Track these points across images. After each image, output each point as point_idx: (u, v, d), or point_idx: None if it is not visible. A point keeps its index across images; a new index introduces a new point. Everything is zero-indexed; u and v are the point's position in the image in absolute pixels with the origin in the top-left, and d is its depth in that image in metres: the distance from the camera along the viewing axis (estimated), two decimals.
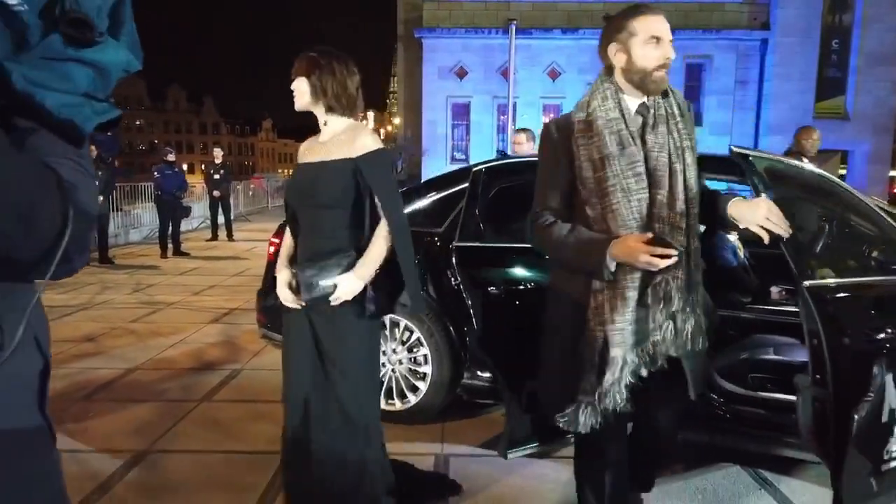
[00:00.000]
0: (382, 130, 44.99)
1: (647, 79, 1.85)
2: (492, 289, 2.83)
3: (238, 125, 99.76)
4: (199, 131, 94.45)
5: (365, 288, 2.20)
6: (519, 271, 3.01)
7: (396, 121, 38.44)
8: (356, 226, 2.22)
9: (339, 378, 2.26)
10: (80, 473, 2.95)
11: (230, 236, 13.19)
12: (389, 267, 2.24)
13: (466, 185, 3.56)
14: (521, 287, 2.95)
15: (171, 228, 10.63)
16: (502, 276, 2.92)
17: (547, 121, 1.89)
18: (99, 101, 0.90)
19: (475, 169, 3.12)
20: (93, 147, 9.57)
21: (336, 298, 2.18)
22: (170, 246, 10.63)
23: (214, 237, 13.04)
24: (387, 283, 2.25)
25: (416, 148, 25.58)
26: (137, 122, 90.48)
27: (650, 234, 1.75)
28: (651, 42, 1.82)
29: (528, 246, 3.15)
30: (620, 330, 1.80)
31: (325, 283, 2.20)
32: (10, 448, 0.88)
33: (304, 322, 2.31)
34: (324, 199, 2.20)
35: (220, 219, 13.14)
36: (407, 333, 3.58)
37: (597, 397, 1.83)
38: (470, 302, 2.89)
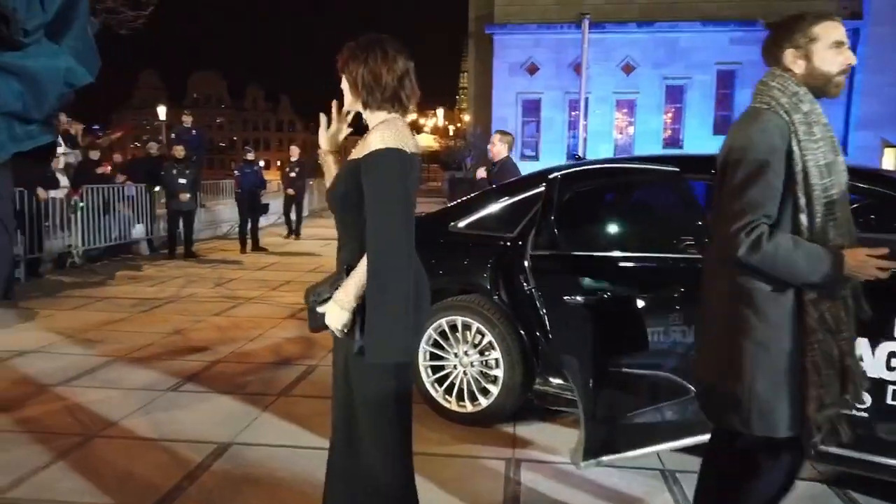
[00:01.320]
0: (451, 127, 45.09)
1: (829, 84, 1.86)
2: (568, 298, 2.81)
3: (313, 122, 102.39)
4: (276, 129, 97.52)
5: (356, 320, 1.82)
6: (595, 281, 2.97)
7: (466, 117, 38.48)
8: (363, 238, 1.81)
9: (356, 438, 1.94)
10: (169, 462, 3.13)
11: (297, 234, 13.44)
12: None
13: (540, 190, 3.54)
14: (599, 296, 2.92)
15: (249, 224, 11.05)
16: (578, 284, 2.89)
17: (765, 114, 1.74)
18: (27, 123, 0.60)
19: (551, 176, 3.10)
20: (180, 147, 10.05)
21: (334, 330, 1.87)
22: (248, 241, 11.05)
23: (290, 234, 13.46)
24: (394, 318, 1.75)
25: (486, 145, 25.54)
26: (218, 121, 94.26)
27: (885, 249, 1.73)
28: (834, 47, 1.84)
29: (606, 255, 3.13)
30: (848, 339, 1.80)
31: (321, 309, 1.89)
32: None
33: (339, 355, 2.00)
34: (331, 204, 1.96)
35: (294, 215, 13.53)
36: (479, 336, 3.60)
37: (841, 407, 1.81)
38: (544, 309, 2.88)
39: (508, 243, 3.57)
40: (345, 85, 1.97)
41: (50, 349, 5.03)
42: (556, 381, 3.42)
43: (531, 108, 25.88)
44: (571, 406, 3.34)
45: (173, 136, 12.04)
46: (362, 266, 1.81)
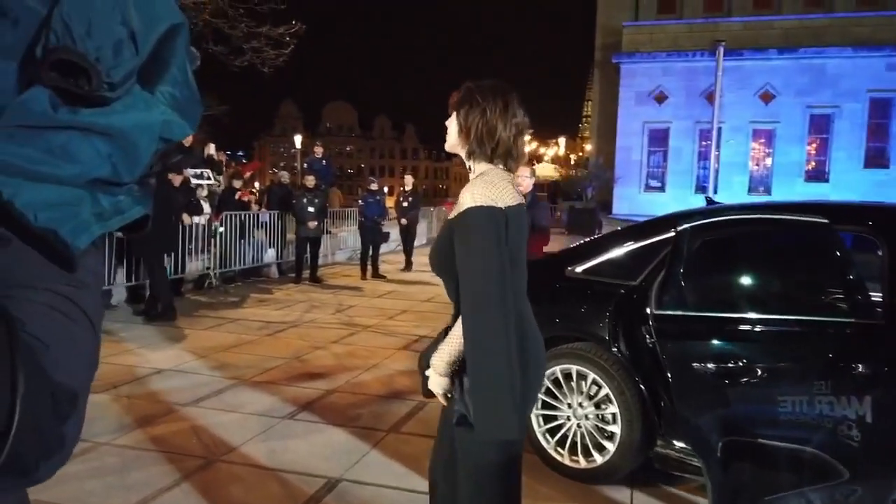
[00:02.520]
0: (573, 156, 44.57)
1: None
2: (698, 363, 2.58)
3: (435, 150, 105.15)
4: (401, 156, 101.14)
5: (454, 384, 1.72)
6: (729, 344, 2.72)
7: (588, 146, 37.87)
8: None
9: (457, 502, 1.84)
10: (282, 494, 3.19)
11: (408, 265, 12.63)
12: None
13: (665, 236, 3.33)
14: (733, 361, 2.66)
15: (371, 252, 11.38)
16: (710, 348, 2.66)
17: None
18: (117, 187, 0.55)
19: (681, 227, 2.89)
20: (311, 177, 10.58)
21: (438, 396, 1.81)
22: (369, 268, 11.39)
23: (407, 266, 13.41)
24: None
25: (608, 174, 24.94)
26: (348, 149, 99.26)
27: None
28: None
29: (742, 316, 2.84)
30: None
31: (427, 373, 1.81)
32: None
33: (447, 415, 1.89)
34: (433, 265, 1.88)
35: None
36: (595, 388, 3.41)
37: None
38: (670, 372, 2.66)
39: (630, 292, 3.37)
40: (452, 125, 1.87)
41: (184, 367, 5.37)
42: (681, 444, 3.15)
43: (658, 138, 25.02)
44: (697, 474, 3.06)
45: (305, 165, 12.58)
46: (457, 328, 1.72)
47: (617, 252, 3.59)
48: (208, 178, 9.84)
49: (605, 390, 3.34)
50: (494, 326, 1.62)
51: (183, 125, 0.60)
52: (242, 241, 10.13)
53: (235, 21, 10.92)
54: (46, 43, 0.51)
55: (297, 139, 36.44)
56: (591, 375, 3.40)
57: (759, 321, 2.78)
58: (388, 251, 15.76)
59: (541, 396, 3.56)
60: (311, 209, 10.36)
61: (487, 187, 1.72)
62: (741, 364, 2.65)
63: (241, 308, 8.25)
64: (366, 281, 11.14)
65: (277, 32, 11.05)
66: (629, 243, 3.56)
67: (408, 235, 13.08)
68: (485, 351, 1.62)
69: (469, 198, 1.72)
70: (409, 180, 13.21)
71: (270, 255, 11.20)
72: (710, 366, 2.57)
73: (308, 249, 10.65)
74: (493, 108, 1.79)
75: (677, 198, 24.08)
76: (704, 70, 22.92)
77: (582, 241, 3.99)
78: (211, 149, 10.69)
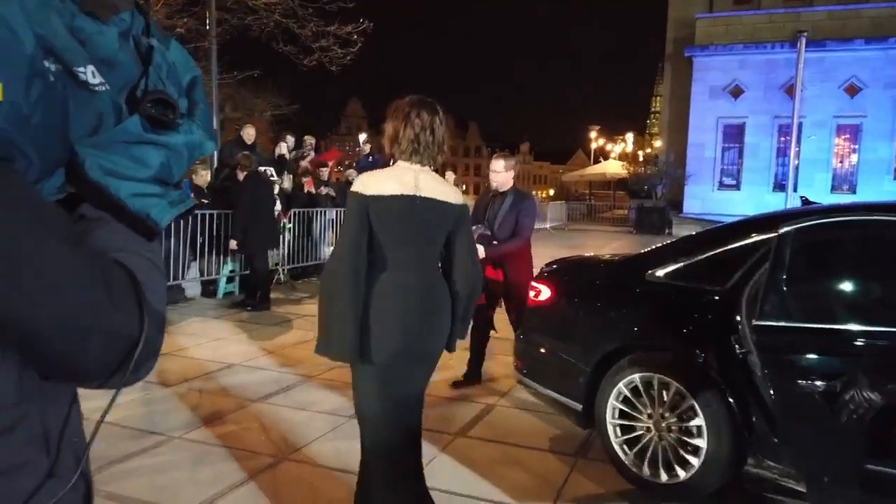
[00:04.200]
0: (641, 153, 43.38)
1: None
2: (804, 381, 2.35)
3: (497, 148, 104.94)
4: (464, 154, 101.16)
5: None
6: (840, 361, 2.46)
7: (657, 143, 36.78)
8: None
9: None
10: (349, 497, 3.12)
11: None
12: None
13: (760, 238, 3.07)
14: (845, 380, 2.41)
15: None
16: (818, 365, 2.41)
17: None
18: (172, 189, 0.83)
19: (784, 229, 2.64)
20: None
21: None
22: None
23: None
24: None
25: (679, 172, 24.09)
26: None
27: None
28: None
29: (855, 328, 2.57)
30: None
31: None
32: None
33: None
34: None
35: None
36: (678, 399, 3.19)
37: None
38: (771, 390, 2.44)
39: (718, 298, 3.14)
40: (385, 131, 2.39)
41: (253, 363, 5.42)
42: (777, 465, 2.91)
43: (733, 134, 24.01)
44: (795, 497, 2.81)
45: (355, 165, 12.37)
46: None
47: (703, 255, 3.35)
48: (272, 176, 9.98)
49: (690, 402, 3.12)
50: (342, 277, 2.22)
51: (210, 145, 0.86)
52: (309, 237, 10.24)
53: (305, 21, 11.06)
54: (146, 87, 0.76)
55: (362, 137, 36.84)
56: (675, 385, 3.18)
57: (875, 334, 2.51)
58: None
59: (618, 405, 3.38)
60: None
61: (369, 178, 2.30)
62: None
63: (307, 304, 8.32)
64: None
65: (345, 31, 11.13)
66: (718, 246, 3.32)
67: None
68: (331, 294, 2.27)
69: (354, 182, 2.33)
70: (450, 177, 12.93)
71: None
72: (817, 383, 2.33)
73: None
74: (399, 117, 2.32)
75: (753, 196, 23.05)
76: (784, 62, 21.83)
77: (663, 243, 3.76)
78: (282, 148, 10.83)
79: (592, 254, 4.76)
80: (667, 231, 22.84)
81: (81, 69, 0.72)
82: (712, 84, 23.88)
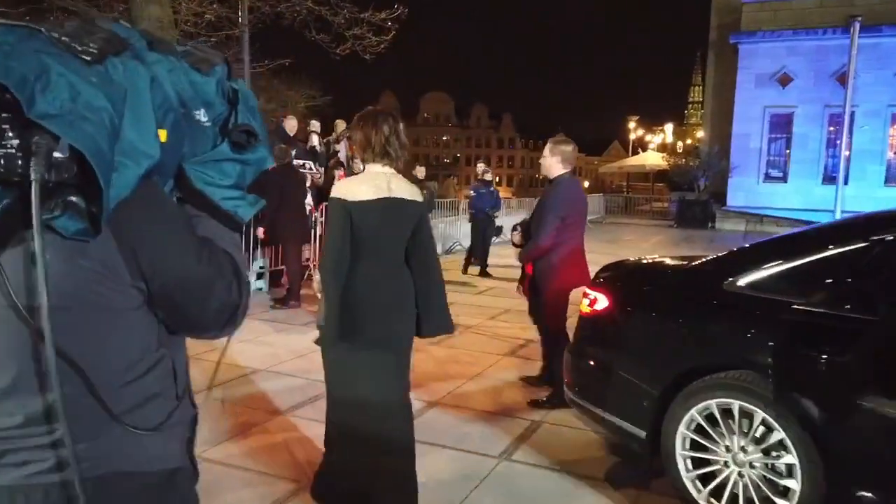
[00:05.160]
0: (680, 144, 42.12)
1: None
2: None
3: (532, 139, 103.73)
4: (497, 146, 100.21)
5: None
6: None
7: (699, 134, 35.63)
8: None
9: None
10: None
11: (483, 271, 10.67)
12: None
13: (862, 245, 2.59)
14: None
15: (481, 246, 10.71)
16: None
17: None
18: (247, 193, 1.10)
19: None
20: (422, 168, 10.16)
21: None
22: (465, 265, 10.85)
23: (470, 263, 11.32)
24: None
25: (722, 164, 23.16)
26: (444, 138, 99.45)
27: None
28: None
29: None
30: None
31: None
32: (167, 485, 1.04)
33: None
34: None
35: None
36: (763, 430, 2.73)
37: None
38: (882, 421, 1.97)
39: (812, 313, 2.66)
40: (354, 139, 2.74)
41: (280, 368, 5.09)
42: None
43: (780, 124, 22.96)
44: None
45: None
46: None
47: (792, 262, 2.87)
48: (310, 169, 9.67)
49: (780, 435, 2.66)
50: (329, 268, 2.60)
51: (270, 159, 1.16)
52: None
53: (338, 7, 10.70)
54: (235, 121, 1.06)
55: (480, 168, 36.46)
56: (760, 414, 2.72)
57: None
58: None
59: (689, 434, 2.93)
60: None
61: (348, 185, 2.67)
62: None
63: None
64: (465, 275, 10.65)
65: (379, 18, 10.73)
66: (811, 251, 2.84)
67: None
68: (323, 280, 2.63)
69: (334, 189, 2.65)
70: (480, 169, 11.78)
71: None
72: None
73: None
74: (369, 125, 2.62)
75: (801, 189, 22.06)
76: (836, 49, 20.69)
77: (741, 247, 3.29)
78: (314, 140, 10.50)
79: (656, 256, 4.26)
80: (710, 225, 22.00)
81: (197, 112, 1.01)
82: (759, 72, 22.84)
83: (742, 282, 2.95)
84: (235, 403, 4.31)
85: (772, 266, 2.89)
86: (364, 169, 2.73)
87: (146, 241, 0.95)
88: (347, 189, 2.60)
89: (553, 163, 4.33)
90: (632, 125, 42.38)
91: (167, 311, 1.01)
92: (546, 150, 4.39)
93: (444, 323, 2.85)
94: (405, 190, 2.65)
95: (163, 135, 0.94)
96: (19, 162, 0.79)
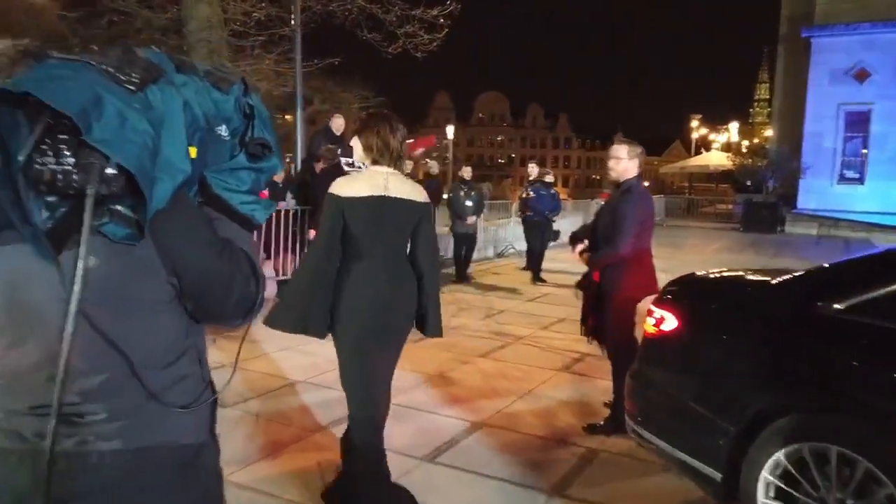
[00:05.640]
0: (746, 143, 40.31)
1: None
2: None
3: (589, 139, 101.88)
4: (553, 146, 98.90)
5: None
6: None
7: (767, 133, 33.96)
8: None
9: None
10: None
11: (537, 276, 10.22)
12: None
13: None
14: None
15: (538, 251, 10.26)
16: None
17: None
18: (262, 199, 1.27)
19: None
20: (468, 168, 9.85)
21: None
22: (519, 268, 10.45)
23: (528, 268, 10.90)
24: None
25: (793, 164, 21.94)
26: (499, 138, 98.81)
27: None
28: None
29: None
30: None
31: None
32: (196, 456, 1.20)
33: None
34: None
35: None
36: (868, 482, 2.28)
37: None
38: None
39: None
40: (357, 144, 2.79)
41: (318, 380, 4.83)
42: None
43: (857, 122, 21.61)
44: None
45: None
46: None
47: None
48: (359, 168, 9.47)
49: (889, 489, 2.21)
50: (312, 261, 2.83)
51: (280, 166, 1.29)
52: None
53: (390, 4, 10.49)
54: (252, 134, 1.19)
55: (450, 130, 36.43)
56: (864, 464, 2.28)
57: None
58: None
59: (773, 480, 2.50)
60: (468, 203, 9.60)
61: (345, 182, 2.75)
62: None
63: None
64: (521, 281, 10.25)
65: (431, 14, 10.46)
66: None
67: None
68: (300, 271, 3.09)
69: (332, 185, 2.75)
70: (534, 170, 10.93)
71: None
72: None
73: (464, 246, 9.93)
74: (371, 129, 2.73)
75: (879, 192, 20.71)
76: None
77: (836, 262, 2.83)
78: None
79: (732, 269, 3.80)
80: (779, 229, 20.87)
81: (219, 127, 1.16)
82: (833, 67, 21.55)
83: (841, 304, 2.50)
84: (270, 419, 4.08)
85: (880, 286, 2.43)
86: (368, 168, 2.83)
87: (178, 243, 1.10)
88: (343, 185, 2.70)
89: (631, 166, 4.06)
90: (695, 124, 40.87)
91: (195, 302, 1.16)
92: (622, 152, 4.05)
93: (437, 326, 2.89)
94: (404, 189, 2.71)
95: (193, 151, 1.09)
96: (75, 177, 0.93)
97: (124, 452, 1.08)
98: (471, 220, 9.60)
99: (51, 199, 0.97)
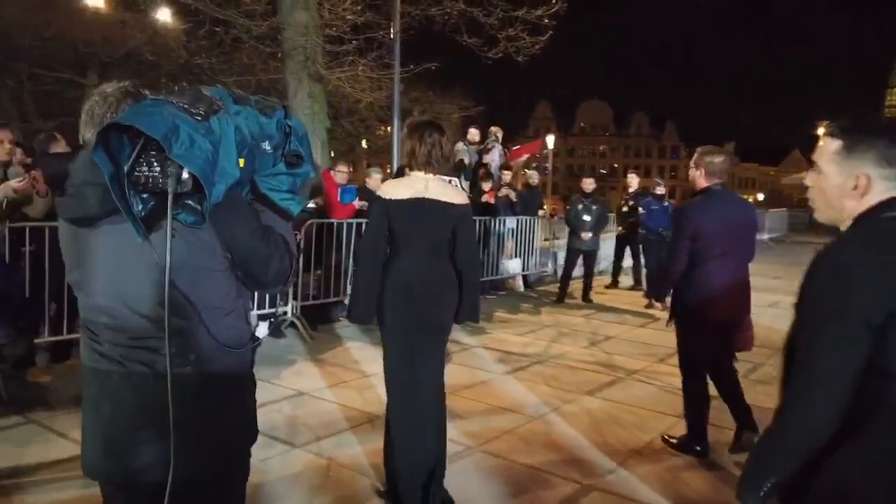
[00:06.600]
0: None
1: None
2: None
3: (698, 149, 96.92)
4: (658, 155, 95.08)
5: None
6: None
7: None
8: None
9: None
10: None
11: (614, 283, 10.05)
12: None
13: None
14: None
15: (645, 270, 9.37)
16: None
17: None
18: (297, 196, 1.72)
19: None
20: (590, 180, 9.07)
21: None
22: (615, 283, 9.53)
23: (614, 284, 10.49)
24: None
25: None
26: (601, 148, 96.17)
27: None
28: None
29: None
30: None
31: None
32: (243, 382, 1.73)
33: None
34: None
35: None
36: None
37: None
38: None
39: None
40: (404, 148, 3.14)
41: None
42: None
43: None
44: None
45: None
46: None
47: None
48: (455, 186, 8.94)
49: None
50: (362, 258, 3.05)
51: (312, 172, 1.73)
52: (486, 250, 9.06)
53: (491, 7, 9.94)
54: (289, 148, 1.67)
55: (550, 139, 35.51)
56: None
57: None
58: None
59: None
60: (586, 217, 8.83)
61: (390, 184, 3.21)
62: None
63: (476, 333, 6.88)
64: (629, 302, 9.35)
65: (535, 15, 9.81)
66: None
67: (630, 248, 10.46)
68: (357, 269, 3.22)
69: (379, 188, 3.21)
70: (634, 180, 10.37)
71: (515, 265, 10.01)
72: None
73: (582, 264, 9.16)
74: (415, 137, 2.97)
75: None
76: None
77: None
78: (462, 153, 9.77)
79: None
80: None
81: (264, 143, 1.59)
82: None
83: None
84: (344, 465, 3.56)
85: None
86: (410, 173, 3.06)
87: (230, 227, 1.58)
88: (388, 189, 3.04)
89: (696, 175, 3.87)
90: (821, 131, 37.56)
91: (243, 272, 1.65)
92: (692, 160, 3.91)
93: (471, 313, 3.12)
94: (443, 192, 2.96)
95: (241, 162, 1.55)
96: (160, 180, 1.39)
97: (193, 375, 1.58)
98: (585, 235, 8.82)
99: (144, 195, 1.45)
